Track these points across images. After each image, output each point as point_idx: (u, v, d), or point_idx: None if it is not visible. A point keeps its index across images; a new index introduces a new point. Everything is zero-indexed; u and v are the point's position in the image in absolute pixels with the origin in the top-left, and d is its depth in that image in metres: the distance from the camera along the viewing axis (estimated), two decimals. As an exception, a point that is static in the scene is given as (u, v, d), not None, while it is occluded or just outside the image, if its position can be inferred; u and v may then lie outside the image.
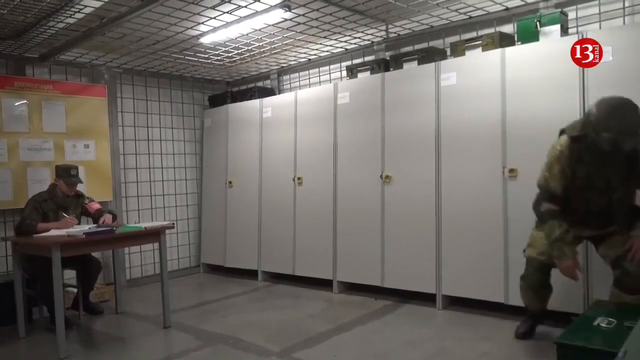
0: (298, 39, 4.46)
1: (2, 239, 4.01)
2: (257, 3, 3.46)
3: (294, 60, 5.27)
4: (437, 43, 4.32)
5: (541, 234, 2.86)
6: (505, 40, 3.68)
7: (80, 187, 4.06)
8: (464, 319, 3.64)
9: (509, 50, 3.55)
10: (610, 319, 2.31)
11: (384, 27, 4.31)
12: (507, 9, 3.84)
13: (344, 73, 4.94)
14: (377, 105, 4.25)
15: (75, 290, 4.15)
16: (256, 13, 3.62)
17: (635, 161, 2.58)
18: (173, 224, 4.30)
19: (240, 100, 5.57)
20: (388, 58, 4.47)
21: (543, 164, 2.76)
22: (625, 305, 2.60)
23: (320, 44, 4.66)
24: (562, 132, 2.76)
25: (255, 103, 5.35)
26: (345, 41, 4.61)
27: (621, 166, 2.60)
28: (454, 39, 4.13)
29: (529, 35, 3.49)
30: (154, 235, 3.82)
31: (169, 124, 5.74)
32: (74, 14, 3.57)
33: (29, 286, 3.74)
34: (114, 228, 3.61)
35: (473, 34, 3.99)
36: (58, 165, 4.03)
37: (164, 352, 3.35)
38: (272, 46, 4.61)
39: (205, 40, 4.23)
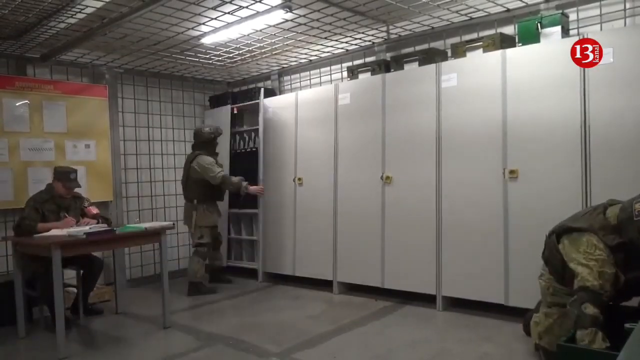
0: (299, 40, 4.46)
1: (3, 239, 4.01)
2: (258, 4, 3.46)
3: (295, 61, 5.27)
4: (438, 44, 4.32)
5: (551, 318, 2.60)
6: (506, 42, 3.68)
7: (80, 187, 4.06)
8: (464, 320, 3.64)
9: (509, 51, 3.55)
10: None
11: (384, 28, 4.31)
12: (508, 10, 3.84)
13: (345, 74, 4.94)
14: (377, 106, 4.25)
15: (75, 290, 4.15)
16: (257, 14, 3.62)
17: None
18: (173, 224, 4.30)
19: (241, 101, 5.58)
20: (389, 59, 4.47)
21: (583, 261, 2.35)
22: None
23: (321, 44, 4.66)
24: (578, 229, 2.43)
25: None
26: (346, 42, 4.61)
27: None
28: (455, 40, 4.13)
29: (530, 36, 3.49)
30: (155, 235, 3.83)
31: (169, 125, 5.74)
32: (75, 14, 3.58)
33: (29, 286, 3.74)
34: (114, 228, 3.62)
35: (474, 35, 3.99)
36: (57, 167, 4.04)
37: (163, 353, 3.34)
38: (273, 47, 4.61)
39: (206, 40, 4.23)
